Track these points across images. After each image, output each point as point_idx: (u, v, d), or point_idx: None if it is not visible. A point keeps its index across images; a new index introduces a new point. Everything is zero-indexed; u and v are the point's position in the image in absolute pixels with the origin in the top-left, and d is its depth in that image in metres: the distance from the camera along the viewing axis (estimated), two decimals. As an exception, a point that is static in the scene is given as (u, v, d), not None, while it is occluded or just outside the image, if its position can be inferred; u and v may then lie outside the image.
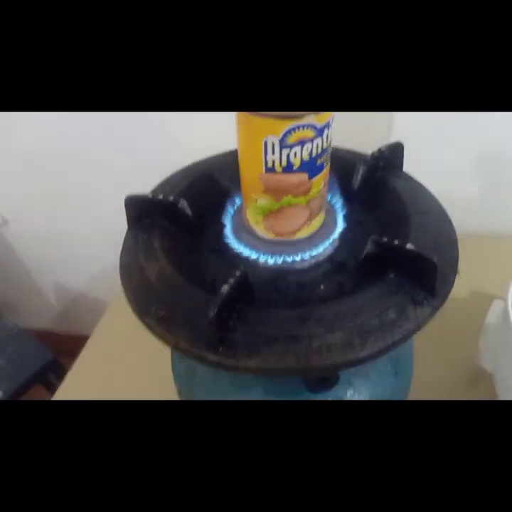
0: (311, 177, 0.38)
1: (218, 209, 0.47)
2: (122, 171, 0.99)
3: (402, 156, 0.49)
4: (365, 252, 0.40)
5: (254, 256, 0.42)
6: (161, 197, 0.43)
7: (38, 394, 1.11)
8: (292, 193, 0.38)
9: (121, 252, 0.43)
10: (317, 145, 0.36)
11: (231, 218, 0.45)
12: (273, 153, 0.36)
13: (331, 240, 0.43)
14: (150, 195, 0.43)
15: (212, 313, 0.33)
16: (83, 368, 0.74)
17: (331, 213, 0.45)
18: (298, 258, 0.41)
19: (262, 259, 0.41)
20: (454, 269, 0.40)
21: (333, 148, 0.52)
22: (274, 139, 0.35)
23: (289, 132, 0.35)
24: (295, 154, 0.36)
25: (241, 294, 0.37)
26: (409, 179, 0.49)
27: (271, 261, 0.41)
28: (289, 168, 0.37)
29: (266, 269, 0.41)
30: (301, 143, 0.35)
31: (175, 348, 0.36)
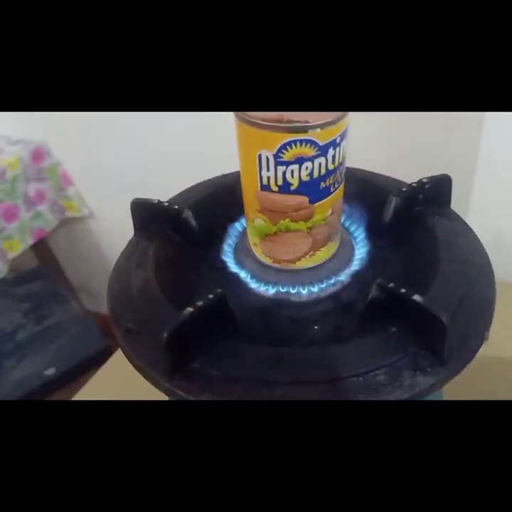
0: (313, 201, 0.33)
1: (231, 225, 0.43)
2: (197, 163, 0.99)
3: (449, 191, 0.42)
4: (369, 297, 0.34)
5: (248, 280, 0.38)
6: (166, 204, 0.41)
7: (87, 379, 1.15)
8: (290, 216, 0.34)
9: (120, 255, 0.41)
10: (319, 165, 0.31)
11: (240, 236, 0.42)
12: (267, 169, 0.32)
13: (339, 276, 0.37)
14: (155, 201, 0.41)
15: (164, 335, 0.30)
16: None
17: (348, 246, 0.40)
18: (294, 290, 0.36)
19: (254, 285, 0.37)
20: (479, 335, 0.33)
21: (370, 173, 0.47)
22: (268, 154, 0.31)
23: (284, 147, 0.30)
24: (292, 173, 0.31)
25: (212, 319, 0.33)
26: (454, 219, 0.41)
27: (263, 288, 0.37)
28: (285, 189, 0.32)
29: (259, 296, 0.37)
30: (299, 161, 0.31)
31: (133, 365, 0.33)
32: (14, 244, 1.29)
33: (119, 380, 0.62)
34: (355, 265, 0.38)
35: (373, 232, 0.42)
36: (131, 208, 0.42)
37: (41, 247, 1.42)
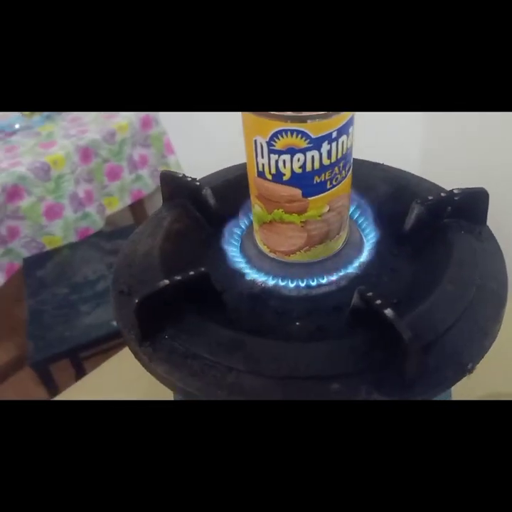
0: (306, 195, 0.32)
1: (249, 208, 0.43)
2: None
3: (485, 207, 0.38)
4: (351, 304, 0.32)
5: (243, 265, 0.38)
6: (189, 179, 0.42)
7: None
8: (283, 207, 0.33)
9: (144, 222, 0.44)
10: (312, 158, 0.30)
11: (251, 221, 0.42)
12: (262, 156, 0.31)
13: (334, 277, 0.36)
14: (180, 175, 0.43)
15: (135, 301, 0.32)
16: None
17: (355, 246, 0.38)
18: (282, 283, 0.36)
19: (248, 270, 0.37)
20: (460, 365, 0.30)
21: (405, 174, 0.44)
22: (262, 140, 0.31)
23: (276, 135, 0.30)
24: (284, 163, 0.31)
25: (193, 295, 0.34)
26: (484, 239, 0.37)
27: (255, 276, 0.37)
28: (278, 178, 0.32)
29: (250, 282, 0.37)
30: (291, 151, 0.30)
31: (116, 323, 0.36)
32: (113, 201, 1.40)
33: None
34: (355, 268, 0.37)
35: (392, 237, 0.40)
36: (161, 179, 0.44)
37: (138, 208, 1.52)
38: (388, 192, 0.43)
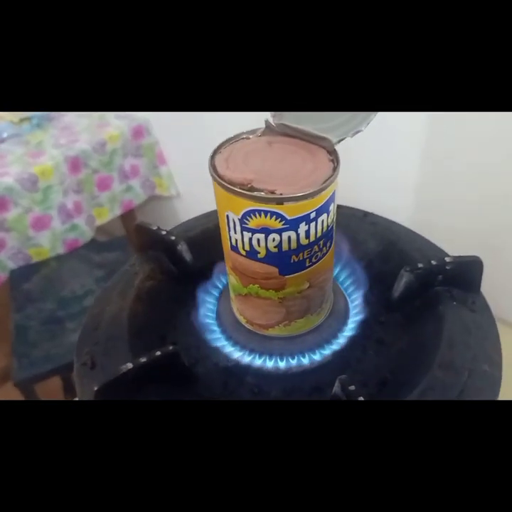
0: (283, 273, 0.29)
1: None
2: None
3: (479, 276, 0.35)
4: (332, 392, 0.30)
5: (219, 335, 0.35)
6: (164, 233, 0.40)
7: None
8: (259, 283, 0.30)
9: (115, 275, 0.41)
10: (289, 238, 0.28)
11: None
12: (235, 231, 0.29)
13: (316, 355, 0.33)
14: (154, 228, 0.40)
15: (94, 389, 0.29)
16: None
17: (339, 317, 0.35)
18: (260, 361, 0.33)
19: (223, 342, 0.35)
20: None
21: (399, 230, 0.41)
22: (234, 217, 0.28)
23: (248, 214, 0.27)
24: (258, 242, 0.28)
25: (156, 374, 0.31)
26: (477, 309, 0.35)
27: (230, 349, 0.34)
28: (252, 255, 0.29)
29: (226, 355, 0.35)
30: (265, 231, 0.27)
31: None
32: (103, 212, 1.38)
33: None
34: (339, 342, 0.34)
35: (380, 303, 0.37)
36: (135, 231, 0.41)
37: (129, 218, 1.50)
38: (377, 249, 0.41)
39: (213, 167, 0.28)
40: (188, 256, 0.39)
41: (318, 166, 0.28)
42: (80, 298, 1.14)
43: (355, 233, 0.41)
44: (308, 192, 0.26)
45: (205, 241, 0.41)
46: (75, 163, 1.27)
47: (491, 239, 0.67)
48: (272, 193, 0.26)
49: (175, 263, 0.40)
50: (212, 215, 0.45)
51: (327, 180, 0.27)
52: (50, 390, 1.16)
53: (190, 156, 1.34)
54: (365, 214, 0.44)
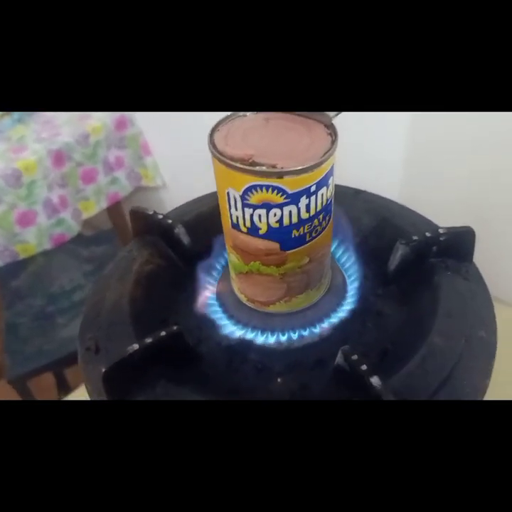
0: (285, 249, 0.30)
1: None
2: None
3: (472, 245, 0.36)
4: (334, 363, 0.30)
5: (220, 315, 0.35)
6: (160, 217, 0.40)
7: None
8: (261, 260, 0.31)
9: (111, 262, 0.41)
10: (290, 213, 0.28)
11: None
12: (235, 208, 0.29)
13: (316, 328, 0.34)
14: (150, 212, 0.40)
15: (102, 371, 0.29)
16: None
17: (338, 292, 0.36)
18: (262, 337, 0.34)
19: (225, 321, 0.35)
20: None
21: (393, 206, 0.42)
22: (235, 193, 0.28)
23: (249, 190, 0.27)
24: (260, 217, 0.28)
25: (161, 355, 0.31)
26: (471, 278, 0.36)
27: (232, 328, 0.34)
28: (254, 232, 0.29)
29: (229, 334, 0.35)
30: (266, 206, 0.28)
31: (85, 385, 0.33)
32: (89, 205, 1.36)
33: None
34: (338, 316, 0.35)
35: (377, 276, 0.38)
36: (130, 215, 0.41)
37: (115, 210, 1.48)
38: (371, 225, 0.41)
39: (213, 144, 0.28)
40: (185, 239, 0.40)
41: (315, 140, 0.28)
42: (69, 293, 1.14)
43: (349, 209, 0.42)
44: (309, 165, 0.26)
45: (201, 224, 0.41)
46: (59, 157, 1.25)
47: (480, 213, 0.69)
48: (273, 167, 0.26)
49: (172, 247, 0.40)
50: (204, 200, 0.45)
51: (326, 153, 0.27)
52: (44, 387, 1.15)
53: (175, 145, 1.33)
54: (357, 191, 0.44)
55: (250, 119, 0.30)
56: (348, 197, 0.43)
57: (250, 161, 0.27)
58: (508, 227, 0.69)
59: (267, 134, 0.29)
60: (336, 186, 0.44)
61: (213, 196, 0.44)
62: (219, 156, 0.28)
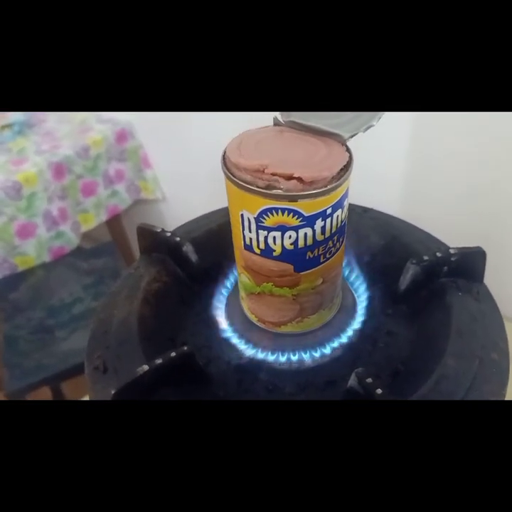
0: (298, 270, 0.30)
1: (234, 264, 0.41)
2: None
3: (482, 266, 0.36)
4: (348, 385, 0.30)
5: (230, 334, 0.35)
6: (168, 235, 0.40)
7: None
8: (273, 281, 0.31)
9: (119, 279, 0.41)
10: (305, 235, 0.28)
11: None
12: (249, 230, 0.29)
13: (327, 349, 0.34)
14: (158, 230, 0.40)
15: (112, 393, 0.29)
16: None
17: (349, 311, 0.36)
18: (272, 357, 0.33)
19: (235, 340, 0.35)
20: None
21: (403, 226, 0.42)
22: (249, 215, 0.28)
23: (265, 213, 0.27)
24: (274, 240, 0.28)
25: (171, 376, 0.31)
26: (482, 299, 0.36)
27: (243, 347, 0.34)
28: (268, 253, 0.29)
29: (238, 353, 0.35)
30: (282, 229, 0.28)
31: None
32: (89, 218, 1.36)
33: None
34: (349, 336, 0.34)
35: (386, 295, 0.38)
36: (137, 233, 0.41)
37: (115, 223, 1.48)
38: (380, 244, 0.41)
39: (226, 166, 0.28)
40: (193, 257, 0.39)
41: (332, 151, 0.28)
42: (69, 306, 1.13)
43: (356, 228, 0.42)
44: (324, 189, 0.26)
45: (209, 241, 0.41)
46: (59, 169, 1.26)
47: (480, 228, 0.69)
48: (290, 176, 0.26)
49: (180, 264, 0.40)
50: (213, 216, 0.45)
51: (342, 175, 0.27)
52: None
53: (175, 159, 1.34)
54: (365, 210, 0.44)
55: (263, 131, 0.30)
56: (355, 215, 0.43)
57: (265, 171, 0.26)
58: (508, 241, 0.69)
59: (281, 144, 0.29)
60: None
61: (221, 213, 0.44)
62: (233, 178, 0.27)
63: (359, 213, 0.44)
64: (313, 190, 0.26)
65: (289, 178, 0.26)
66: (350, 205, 0.45)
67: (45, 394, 1.16)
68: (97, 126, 1.33)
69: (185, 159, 1.27)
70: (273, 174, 0.27)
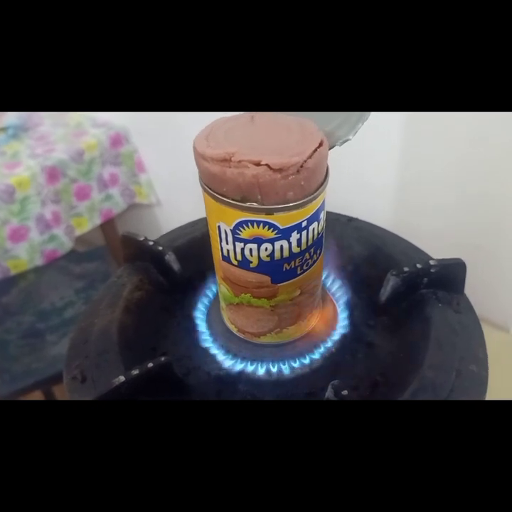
0: (276, 281, 0.30)
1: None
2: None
3: (462, 278, 0.36)
4: (325, 397, 0.30)
5: (210, 344, 0.35)
6: (151, 243, 0.40)
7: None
8: (251, 292, 0.31)
9: (102, 287, 0.41)
10: (281, 247, 0.28)
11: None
12: (226, 242, 0.29)
13: (307, 359, 0.34)
14: (141, 239, 0.40)
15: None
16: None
17: (329, 322, 0.36)
18: (251, 368, 0.33)
19: (215, 351, 0.35)
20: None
21: (386, 236, 0.42)
22: (226, 228, 0.28)
23: (241, 225, 0.27)
24: (251, 251, 0.28)
25: (148, 386, 0.31)
26: (462, 310, 0.36)
27: (222, 357, 0.34)
28: (245, 265, 0.29)
29: (217, 363, 0.35)
30: (258, 241, 0.28)
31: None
32: (83, 222, 1.36)
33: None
34: (328, 347, 0.34)
35: (368, 306, 0.38)
36: (121, 241, 0.41)
37: (109, 227, 1.48)
38: (363, 254, 0.41)
39: (202, 180, 0.28)
40: (176, 266, 0.40)
41: (306, 136, 0.27)
42: (60, 310, 1.13)
43: (340, 237, 0.42)
44: (299, 202, 0.26)
45: (192, 250, 0.41)
46: (53, 173, 1.25)
47: (470, 238, 0.69)
48: (258, 163, 0.25)
49: (163, 273, 0.40)
50: (199, 224, 0.45)
51: (318, 188, 0.27)
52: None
53: (169, 163, 1.34)
54: (350, 219, 0.45)
55: (234, 118, 0.30)
56: (339, 224, 0.43)
57: (231, 159, 0.26)
58: (498, 251, 0.70)
59: (252, 132, 0.28)
60: (329, 213, 0.44)
61: (206, 222, 0.44)
62: (209, 191, 0.27)
63: (344, 223, 0.44)
64: (288, 203, 0.26)
65: (258, 164, 0.25)
66: (334, 214, 0.45)
67: (35, 398, 1.15)
68: (91, 130, 1.33)
69: (180, 164, 1.27)
70: (240, 162, 0.26)
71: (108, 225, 1.46)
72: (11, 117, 1.37)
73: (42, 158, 1.22)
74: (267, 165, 0.25)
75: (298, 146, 0.26)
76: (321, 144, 0.27)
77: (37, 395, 1.14)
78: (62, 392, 1.11)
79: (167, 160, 1.36)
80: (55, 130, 1.34)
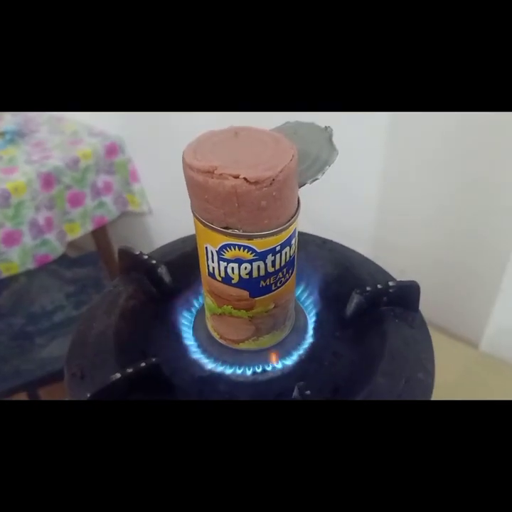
0: (253, 296, 0.35)
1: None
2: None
3: (417, 298, 0.42)
4: (292, 397, 0.35)
5: (195, 349, 0.40)
6: (145, 257, 0.44)
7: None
8: (232, 304, 0.36)
9: (99, 295, 0.45)
10: (258, 267, 0.33)
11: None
12: (212, 261, 0.34)
13: (279, 364, 0.39)
14: (136, 253, 0.44)
15: (87, 396, 0.33)
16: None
17: (301, 332, 0.41)
18: (230, 370, 0.38)
19: (198, 355, 0.39)
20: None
21: (356, 258, 0.47)
22: (212, 249, 0.33)
23: (224, 247, 0.32)
24: (233, 270, 0.33)
25: (145, 383, 0.35)
26: (416, 326, 0.41)
27: (205, 361, 0.39)
28: (227, 281, 0.34)
29: (200, 366, 0.39)
30: (239, 261, 0.33)
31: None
32: (75, 227, 1.40)
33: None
34: (299, 354, 0.39)
35: (336, 320, 0.43)
36: (118, 255, 0.46)
37: (101, 234, 1.52)
38: (334, 273, 0.46)
39: (193, 209, 0.33)
40: (167, 278, 0.44)
41: (278, 152, 0.32)
42: (50, 313, 1.16)
43: (314, 258, 0.47)
44: (274, 230, 0.31)
45: (183, 264, 0.46)
46: (48, 180, 1.29)
47: (446, 256, 0.74)
48: (237, 176, 0.30)
49: (155, 284, 0.45)
50: (188, 240, 0.50)
51: (289, 220, 0.32)
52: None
53: (163, 174, 1.39)
54: (324, 241, 0.50)
55: (220, 133, 0.34)
56: (314, 246, 0.49)
57: (214, 171, 0.30)
58: (472, 269, 0.74)
59: (235, 146, 0.33)
60: (305, 235, 0.49)
61: (189, 240, 0.49)
62: (199, 217, 0.32)
63: (319, 244, 0.49)
64: (264, 231, 0.31)
65: (237, 177, 0.30)
66: (311, 235, 0.50)
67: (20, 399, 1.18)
68: (87, 139, 1.37)
69: (172, 175, 1.31)
70: (221, 174, 0.30)
71: (100, 232, 1.50)
72: (8, 123, 1.40)
73: (38, 165, 1.26)
74: (244, 178, 0.30)
75: (271, 161, 0.31)
76: (291, 159, 0.31)
77: (22, 396, 1.16)
78: (47, 395, 1.14)
79: (159, 170, 1.40)
80: (51, 137, 1.38)
